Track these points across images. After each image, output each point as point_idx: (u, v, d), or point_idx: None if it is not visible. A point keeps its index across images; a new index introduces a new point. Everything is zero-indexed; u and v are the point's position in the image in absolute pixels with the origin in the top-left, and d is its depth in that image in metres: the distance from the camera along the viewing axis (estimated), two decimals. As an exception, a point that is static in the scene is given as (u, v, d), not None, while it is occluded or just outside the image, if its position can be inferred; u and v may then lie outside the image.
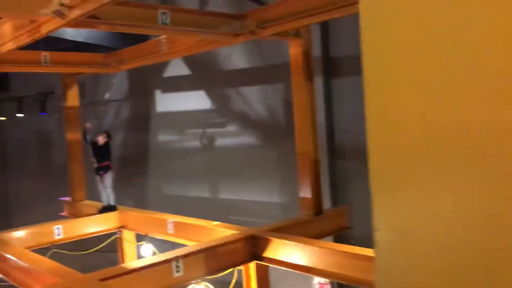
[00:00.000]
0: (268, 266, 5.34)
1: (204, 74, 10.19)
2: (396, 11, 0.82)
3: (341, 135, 8.21)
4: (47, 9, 3.94)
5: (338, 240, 7.03)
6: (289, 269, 4.98)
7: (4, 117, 12.92)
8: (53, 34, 6.58)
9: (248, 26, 5.15)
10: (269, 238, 5.13)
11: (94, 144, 7.32)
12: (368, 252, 4.41)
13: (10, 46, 4.89)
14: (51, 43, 8.23)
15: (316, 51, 7.11)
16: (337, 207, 7.39)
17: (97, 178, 7.34)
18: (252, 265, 5.32)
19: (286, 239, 5.02)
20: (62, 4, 3.85)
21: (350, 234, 7.18)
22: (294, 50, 5.81)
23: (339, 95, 8.21)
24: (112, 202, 7.36)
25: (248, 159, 9.53)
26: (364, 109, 0.84)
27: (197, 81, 10.34)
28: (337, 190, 8.23)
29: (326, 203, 6.56)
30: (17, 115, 12.58)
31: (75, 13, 3.81)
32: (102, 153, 7.34)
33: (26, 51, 6.27)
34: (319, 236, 5.69)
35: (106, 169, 7.31)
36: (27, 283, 4.95)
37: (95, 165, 7.29)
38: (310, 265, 4.75)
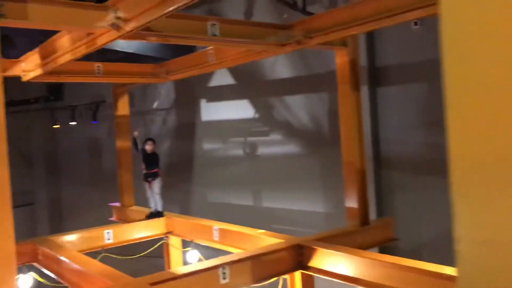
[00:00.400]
0: (313, 275, 5.32)
1: (248, 83, 10.31)
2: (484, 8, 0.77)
3: (387, 145, 8.10)
4: (104, 22, 4.12)
5: (382, 251, 6.91)
6: (335, 280, 4.95)
7: (58, 125, 13.50)
8: (105, 46, 6.83)
9: (295, 36, 5.19)
10: (315, 247, 5.11)
11: (143, 151, 7.55)
12: (418, 264, 4.32)
13: (68, 57, 5.14)
14: (102, 54, 8.56)
15: (362, 60, 7.07)
16: (384, 218, 7.27)
17: (146, 184, 7.56)
18: (298, 274, 5.32)
19: (333, 249, 4.99)
20: (118, 18, 4.02)
21: (395, 246, 7.05)
22: (340, 59, 5.80)
23: (384, 105, 8.11)
24: (160, 208, 7.55)
25: (291, 168, 9.54)
26: (445, 114, 0.82)
27: (241, 90, 10.46)
28: (382, 201, 8.11)
29: (371, 214, 6.47)
30: (70, 123, 13.13)
31: (130, 26, 3.98)
32: (150, 160, 7.56)
33: (80, 62, 6.54)
34: (365, 247, 5.63)
35: (155, 175, 7.51)
36: (80, 285, 5.14)
37: (144, 171, 7.52)
38: (357, 276, 4.69)
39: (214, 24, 4.80)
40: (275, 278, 5.23)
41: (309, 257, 5.17)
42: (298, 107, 9.39)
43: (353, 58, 5.79)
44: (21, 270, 6.29)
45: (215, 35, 4.79)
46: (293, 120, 9.52)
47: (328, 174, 8.76)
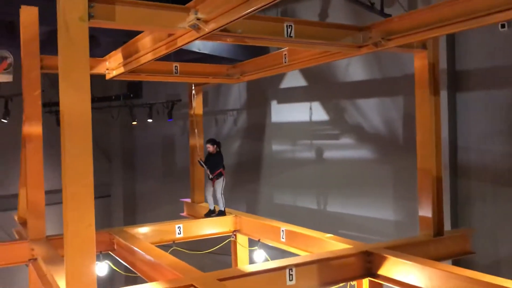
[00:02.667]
0: (382, 284, 5.17)
1: (320, 85, 10.23)
2: None
3: (465, 153, 7.72)
4: (185, 23, 4.26)
5: (456, 265, 6.59)
6: (405, 290, 4.78)
7: (136, 122, 14.16)
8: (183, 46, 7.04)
9: (372, 38, 5.07)
10: (385, 255, 4.96)
11: (208, 155, 7.69)
12: (498, 280, 4.07)
13: (149, 57, 5.36)
14: (179, 54, 8.85)
15: (441, 63, 6.78)
16: (461, 229, 6.92)
17: (209, 183, 7.67)
18: (366, 282, 5.20)
19: (404, 258, 4.82)
20: (198, 19, 4.14)
21: (470, 260, 6.69)
22: (419, 62, 5.60)
23: (464, 111, 7.74)
24: (222, 208, 7.63)
25: (361, 173, 9.35)
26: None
27: (313, 92, 10.41)
28: (458, 211, 7.74)
29: (446, 225, 6.18)
30: (147, 120, 13.72)
31: (209, 27, 4.07)
32: (213, 160, 7.67)
33: (159, 62, 6.80)
34: (438, 258, 5.37)
35: (218, 175, 7.62)
36: (151, 276, 5.33)
37: (209, 175, 7.62)
38: (429, 287, 4.50)
39: (290, 25, 4.80)
40: (342, 284, 5.14)
41: (378, 265, 5.03)
42: (371, 111, 9.18)
43: (433, 61, 5.57)
44: (98, 257, 6.65)
45: (291, 36, 4.79)
46: (365, 124, 9.32)
47: (400, 181, 8.48)
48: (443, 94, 7.19)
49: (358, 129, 9.43)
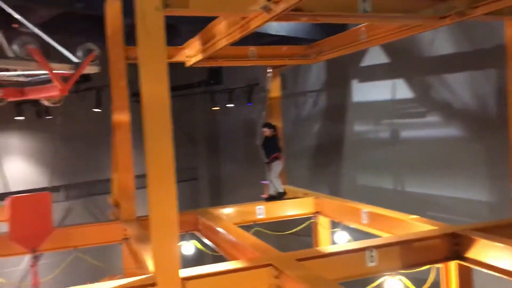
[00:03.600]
0: (471, 268, 4.89)
1: (404, 61, 9.76)
2: None
3: None
4: (256, 5, 4.28)
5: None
6: (497, 274, 4.48)
7: (217, 107, 14.54)
8: (259, 30, 7.08)
9: (455, 7, 4.74)
10: (474, 237, 4.68)
11: (265, 138, 7.67)
12: None
13: (224, 42, 5.46)
14: (259, 38, 8.88)
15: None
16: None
17: (266, 167, 7.65)
18: (453, 265, 4.95)
19: (496, 240, 4.52)
20: (269, 0, 4.13)
21: None
22: (511, 30, 5.14)
23: None
24: (280, 189, 7.62)
25: (449, 153, 8.84)
26: None
27: (396, 69, 9.97)
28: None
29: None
30: (227, 105, 14.05)
31: (280, 7, 4.05)
32: (269, 144, 7.63)
33: (235, 46, 6.88)
34: (533, 242, 4.97)
35: (274, 159, 7.56)
36: (233, 255, 5.50)
37: (265, 159, 7.59)
38: (524, 273, 4.19)
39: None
40: (427, 267, 4.94)
41: (466, 247, 4.76)
42: (460, 86, 8.61)
43: (527, 28, 5.09)
44: (184, 237, 6.99)
45: (366, 11, 4.62)
46: (454, 101, 8.77)
47: (494, 160, 7.91)
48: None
49: (446, 106, 8.90)
